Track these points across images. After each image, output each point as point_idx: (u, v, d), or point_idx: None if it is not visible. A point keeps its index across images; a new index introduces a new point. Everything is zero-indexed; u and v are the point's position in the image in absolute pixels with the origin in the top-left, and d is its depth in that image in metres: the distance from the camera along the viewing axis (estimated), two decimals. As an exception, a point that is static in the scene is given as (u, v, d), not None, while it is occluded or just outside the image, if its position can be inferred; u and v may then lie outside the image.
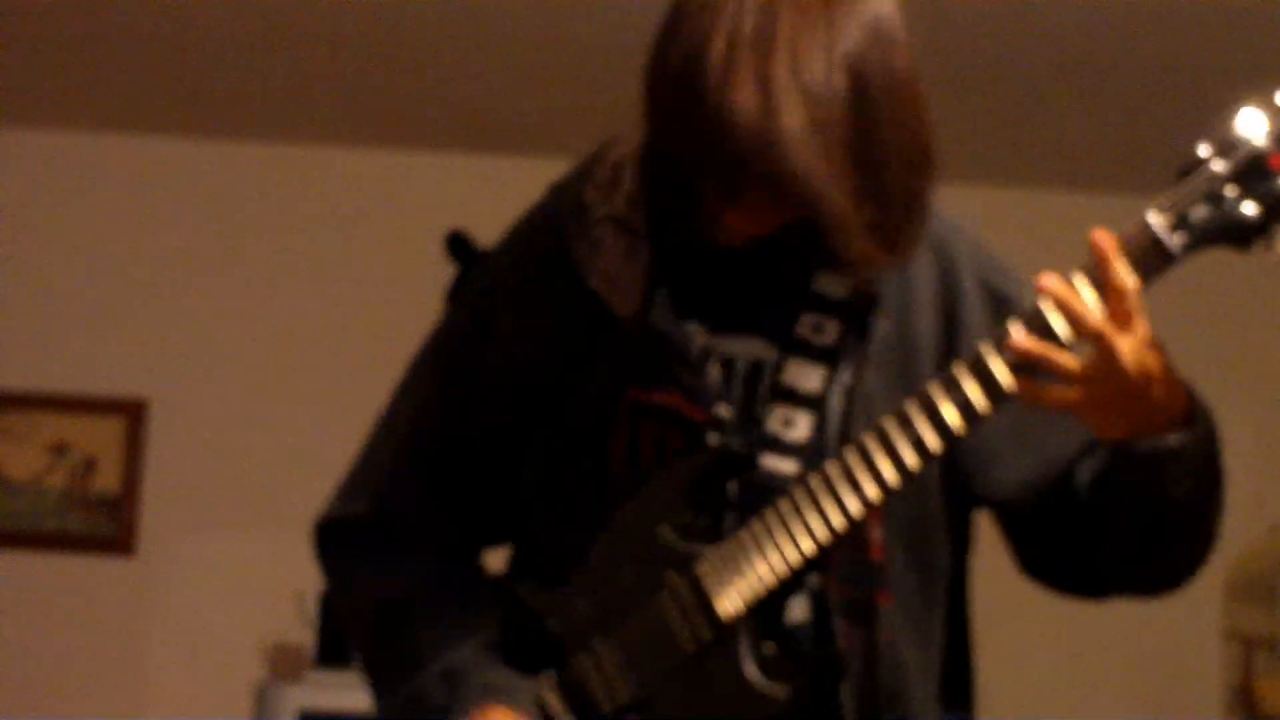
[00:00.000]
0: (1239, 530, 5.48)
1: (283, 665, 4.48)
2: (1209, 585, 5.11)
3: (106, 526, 4.85)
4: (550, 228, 1.66)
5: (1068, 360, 1.42)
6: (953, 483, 1.62)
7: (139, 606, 4.85)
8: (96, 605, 4.84)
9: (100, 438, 4.86)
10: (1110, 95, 4.32)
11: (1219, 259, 5.17)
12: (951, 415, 1.45)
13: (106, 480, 4.86)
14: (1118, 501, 1.53)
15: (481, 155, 4.86)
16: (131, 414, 4.87)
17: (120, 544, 4.84)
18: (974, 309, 1.62)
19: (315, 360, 4.89)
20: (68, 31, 4.17)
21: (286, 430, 4.81)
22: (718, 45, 1.45)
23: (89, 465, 4.86)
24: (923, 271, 1.62)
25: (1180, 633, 5.00)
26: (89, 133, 4.92)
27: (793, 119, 1.43)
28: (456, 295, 1.74)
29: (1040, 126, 4.58)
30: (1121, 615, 5.04)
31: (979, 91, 4.28)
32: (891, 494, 1.49)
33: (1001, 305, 1.61)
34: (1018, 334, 1.43)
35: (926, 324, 1.60)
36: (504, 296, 1.68)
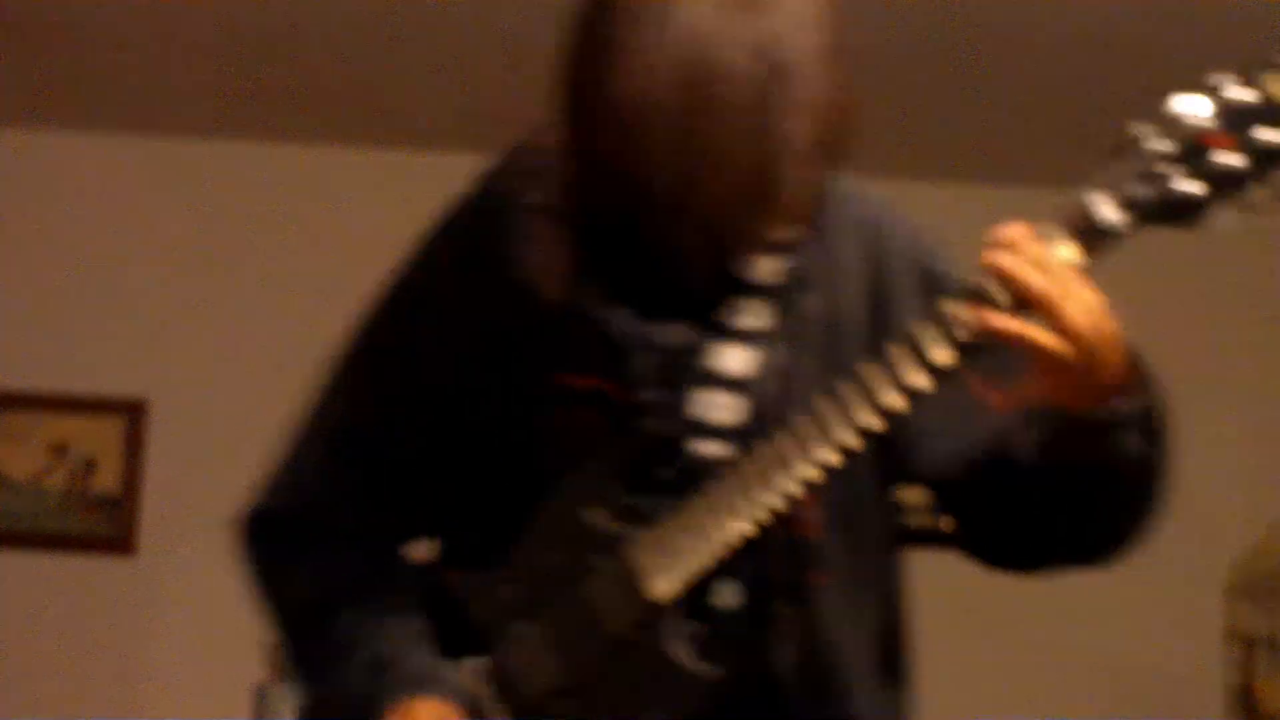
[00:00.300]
0: (1239, 530, 5.50)
1: (283, 665, 4.48)
2: (1209, 585, 5.15)
3: (106, 526, 4.84)
4: (478, 217, 1.69)
5: (1035, 331, 1.42)
6: (885, 461, 1.62)
7: (139, 606, 4.84)
8: (96, 605, 4.84)
9: (100, 438, 4.86)
10: (1113, 95, 4.32)
11: (1217, 263, 5.16)
12: (891, 397, 1.46)
13: (106, 480, 4.86)
14: (1066, 469, 1.52)
15: (482, 155, 4.86)
16: (131, 414, 4.87)
17: (120, 544, 4.84)
18: (904, 287, 1.63)
19: (315, 360, 4.88)
20: (68, 31, 4.17)
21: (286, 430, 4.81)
22: (634, 38, 1.49)
23: (89, 465, 4.86)
24: (851, 251, 1.63)
25: (1180, 633, 5.00)
26: (89, 133, 4.92)
27: (707, 118, 1.46)
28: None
29: (1041, 126, 4.58)
30: (1122, 615, 5.05)
31: (980, 91, 4.28)
32: (830, 476, 1.50)
33: (933, 283, 1.62)
34: (982, 314, 1.43)
35: (855, 303, 1.61)
36: (434, 287, 1.69)
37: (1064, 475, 1.52)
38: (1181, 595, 5.02)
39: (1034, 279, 1.41)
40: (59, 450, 4.85)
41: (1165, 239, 5.30)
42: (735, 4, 1.49)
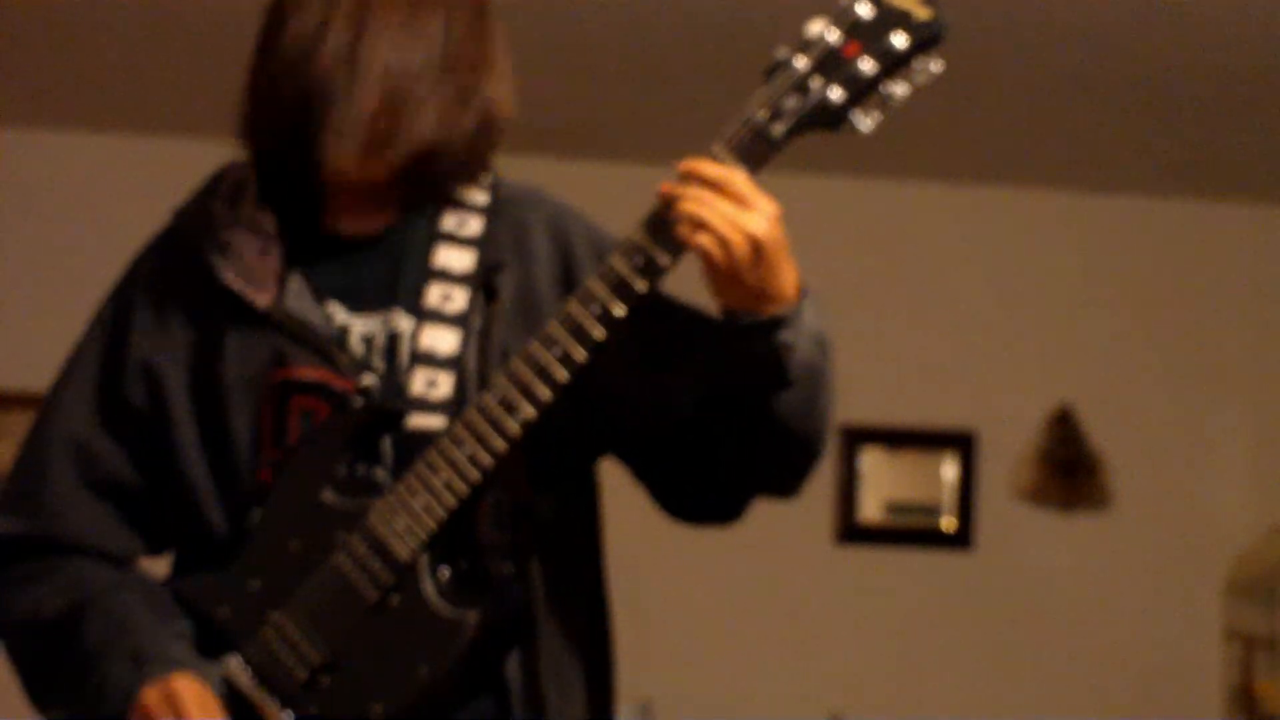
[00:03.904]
0: (1239, 530, 5.50)
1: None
2: (1209, 585, 5.14)
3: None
4: (177, 243, 1.80)
5: (703, 236, 1.55)
6: (587, 432, 1.75)
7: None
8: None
9: (100, 438, 4.85)
10: (1113, 96, 4.33)
11: (1217, 267, 5.14)
12: (568, 340, 1.61)
13: (106, 480, 4.85)
14: (742, 387, 1.64)
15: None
16: (131, 414, 4.86)
17: (120, 544, 4.83)
18: (589, 271, 1.74)
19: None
20: (68, 31, 4.17)
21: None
22: (309, 24, 1.70)
23: (89, 465, 4.85)
24: (540, 244, 1.76)
25: (1180, 633, 5.01)
26: (89, 133, 4.93)
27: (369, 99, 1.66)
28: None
29: (1043, 126, 4.58)
30: (1122, 615, 5.05)
31: (982, 92, 4.28)
32: (541, 413, 1.62)
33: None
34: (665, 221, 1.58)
35: (547, 285, 1.75)
36: (138, 310, 1.79)
37: (746, 388, 1.64)
38: (1181, 595, 5.02)
39: (736, 178, 1.56)
40: (59, 450, 4.84)
41: (1167, 243, 5.30)
42: (407, 7, 1.69)
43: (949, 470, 5.05)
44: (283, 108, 1.72)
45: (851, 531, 5.02)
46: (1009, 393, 5.07)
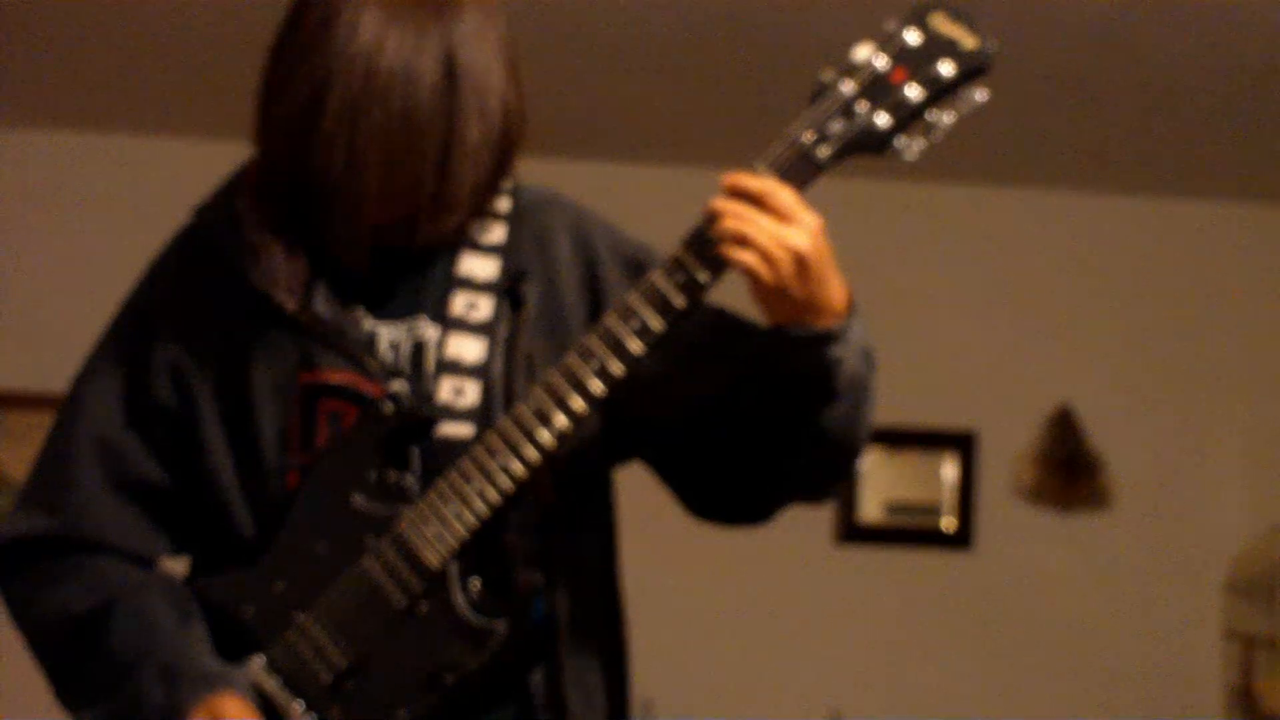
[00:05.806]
0: (1239, 530, 5.49)
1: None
2: (1209, 585, 5.14)
3: (106, 526, 4.84)
4: (201, 241, 1.79)
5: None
6: (616, 439, 1.76)
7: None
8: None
9: (100, 438, 4.85)
10: (1113, 96, 4.33)
11: (1217, 267, 5.14)
12: (605, 354, 1.61)
13: (107, 480, 4.85)
14: (788, 399, 1.64)
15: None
16: (132, 414, 4.86)
17: (120, 544, 4.83)
18: (613, 275, 1.77)
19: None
20: (68, 31, 4.17)
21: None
22: (319, 41, 1.62)
23: (89, 465, 4.85)
24: (563, 250, 1.77)
25: (1180, 633, 5.01)
26: (89, 133, 4.93)
27: (379, 115, 1.60)
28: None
29: (1043, 126, 4.58)
30: (1121, 615, 5.05)
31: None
32: (565, 441, 1.63)
33: (638, 268, 1.75)
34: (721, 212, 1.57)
35: (572, 293, 1.75)
36: (163, 310, 1.77)
37: (791, 400, 1.64)
38: (1181, 595, 5.03)
39: (780, 192, 1.57)
40: (59, 450, 4.84)
41: (1167, 243, 5.31)
42: (417, 15, 1.63)
43: (949, 470, 5.05)
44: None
45: (851, 531, 5.02)
46: (1009, 393, 5.08)
